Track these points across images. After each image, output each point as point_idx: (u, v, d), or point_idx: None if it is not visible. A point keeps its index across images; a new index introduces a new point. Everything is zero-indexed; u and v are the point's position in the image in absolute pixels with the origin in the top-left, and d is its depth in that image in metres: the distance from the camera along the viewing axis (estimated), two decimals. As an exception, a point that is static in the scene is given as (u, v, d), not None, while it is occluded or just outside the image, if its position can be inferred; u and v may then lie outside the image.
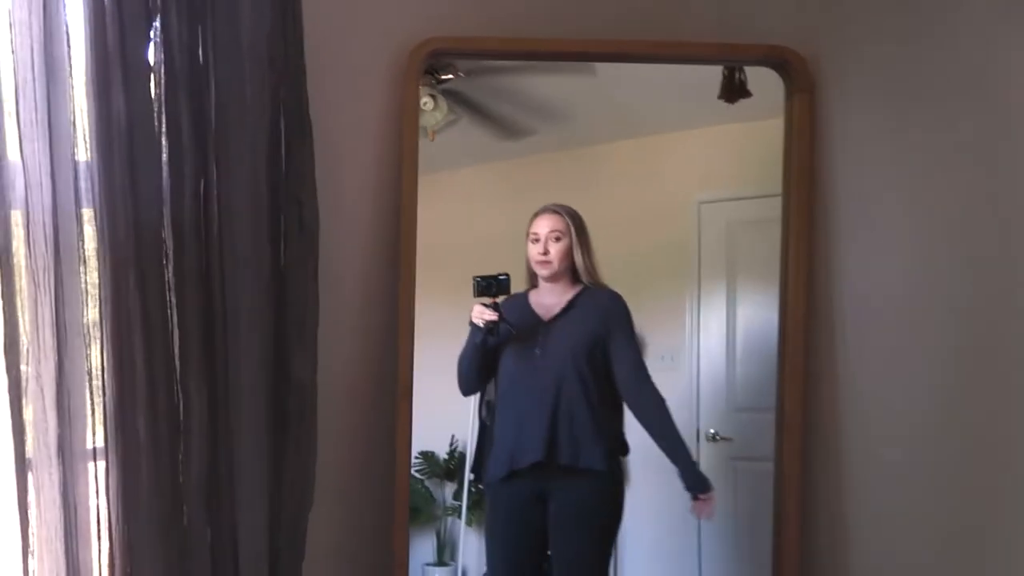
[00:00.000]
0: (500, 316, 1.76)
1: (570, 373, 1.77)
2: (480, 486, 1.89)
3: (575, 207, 1.82)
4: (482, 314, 1.77)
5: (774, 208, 1.77)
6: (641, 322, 1.84)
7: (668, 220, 1.88)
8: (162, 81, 1.35)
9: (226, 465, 1.41)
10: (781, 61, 1.66)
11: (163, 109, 1.35)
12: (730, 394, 1.80)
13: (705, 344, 1.84)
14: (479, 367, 1.80)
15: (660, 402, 1.78)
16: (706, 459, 1.82)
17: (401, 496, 1.69)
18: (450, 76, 1.80)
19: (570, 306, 1.80)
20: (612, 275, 1.83)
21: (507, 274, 1.80)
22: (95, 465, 1.35)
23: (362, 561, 1.74)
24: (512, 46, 1.67)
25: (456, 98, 1.81)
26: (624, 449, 1.80)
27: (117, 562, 1.35)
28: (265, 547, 1.44)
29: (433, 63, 1.74)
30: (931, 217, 1.52)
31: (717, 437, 1.81)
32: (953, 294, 1.48)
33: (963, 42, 1.46)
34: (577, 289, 1.80)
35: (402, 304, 1.68)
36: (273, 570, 1.47)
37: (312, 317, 1.52)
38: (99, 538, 1.37)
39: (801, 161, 1.67)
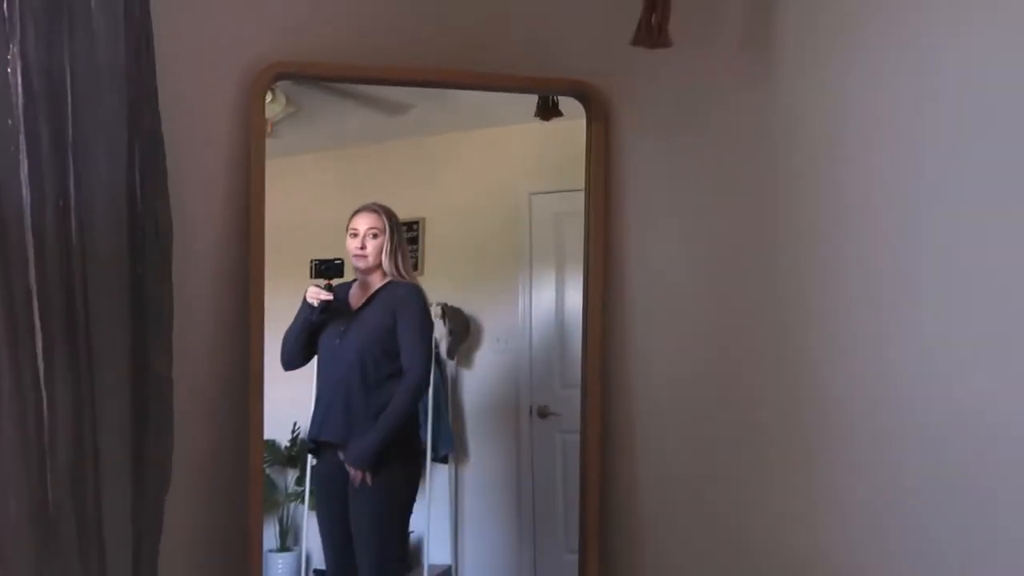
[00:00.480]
0: (333, 298, 1.94)
1: (360, 359, 1.95)
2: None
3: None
4: (317, 294, 1.94)
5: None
6: (476, 305, 1.96)
7: (502, 210, 2.03)
8: (20, 101, 1.44)
9: (92, 456, 1.52)
10: (583, 93, 1.93)
11: (23, 127, 1.44)
12: (559, 372, 1.94)
13: (536, 326, 2.00)
14: (303, 344, 1.96)
15: (411, 386, 1.96)
16: (537, 433, 1.95)
17: (255, 484, 1.81)
18: None
19: (373, 297, 1.99)
20: (449, 263, 1.97)
21: (341, 259, 1.97)
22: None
23: (217, 546, 1.84)
24: (348, 72, 1.88)
25: (297, 84, 1.85)
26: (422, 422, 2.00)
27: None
28: (129, 531, 1.56)
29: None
30: (697, 222, 1.85)
31: (547, 412, 1.94)
32: (714, 283, 1.82)
33: (735, 91, 1.77)
34: (384, 282, 1.99)
35: (252, 302, 1.81)
36: (136, 553, 1.59)
37: (168, 316, 1.65)
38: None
39: (597, 177, 1.94)
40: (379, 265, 1.97)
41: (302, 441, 2.01)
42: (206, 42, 1.76)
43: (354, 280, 1.99)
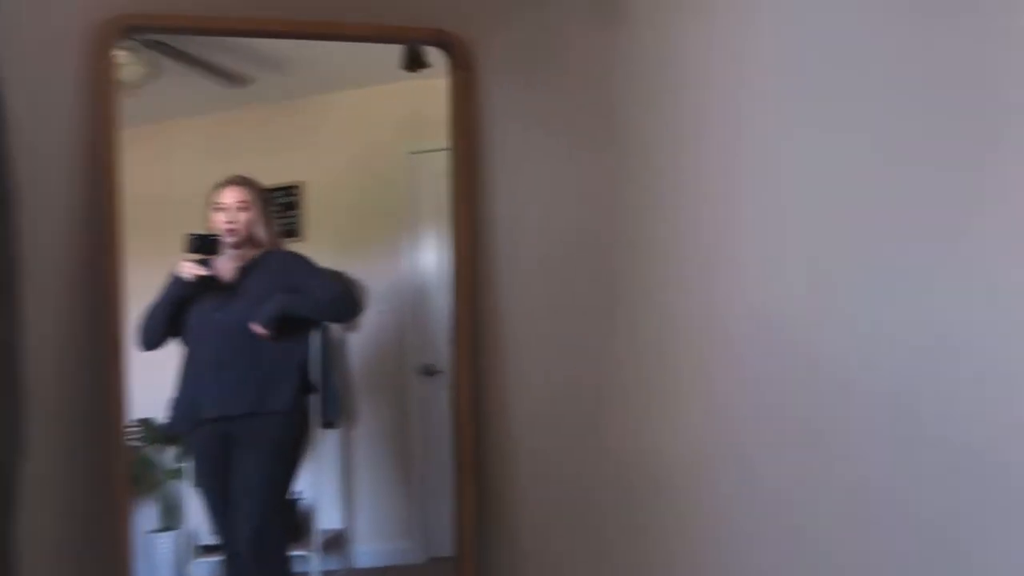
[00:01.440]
0: (208, 272, 1.92)
1: (248, 329, 1.92)
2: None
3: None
4: (192, 268, 1.91)
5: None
6: (361, 270, 1.97)
7: (381, 172, 2.02)
8: None
9: None
10: (445, 42, 1.93)
11: None
12: (445, 330, 1.95)
13: (420, 286, 2.02)
14: (167, 322, 1.92)
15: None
16: (424, 392, 1.96)
17: (119, 460, 1.73)
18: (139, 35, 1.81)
19: (250, 268, 1.98)
20: (331, 227, 1.94)
21: (218, 234, 1.95)
22: None
23: (86, 524, 1.74)
24: (203, 23, 1.82)
25: (163, 49, 1.79)
26: (309, 388, 1.98)
27: None
28: None
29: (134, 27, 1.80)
30: (562, 169, 1.87)
31: (434, 371, 1.95)
32: (578, 230, 1.85)
33: (587, 35, 1.80)
34: (257, 252, 1.99)
35: (109, 269, 1.73)
36: None
37: (10, 279, 1.56)
38: None
39: (461, 128, 1.95)
40: (250, 237, 1.97)
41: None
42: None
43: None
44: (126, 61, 1.84)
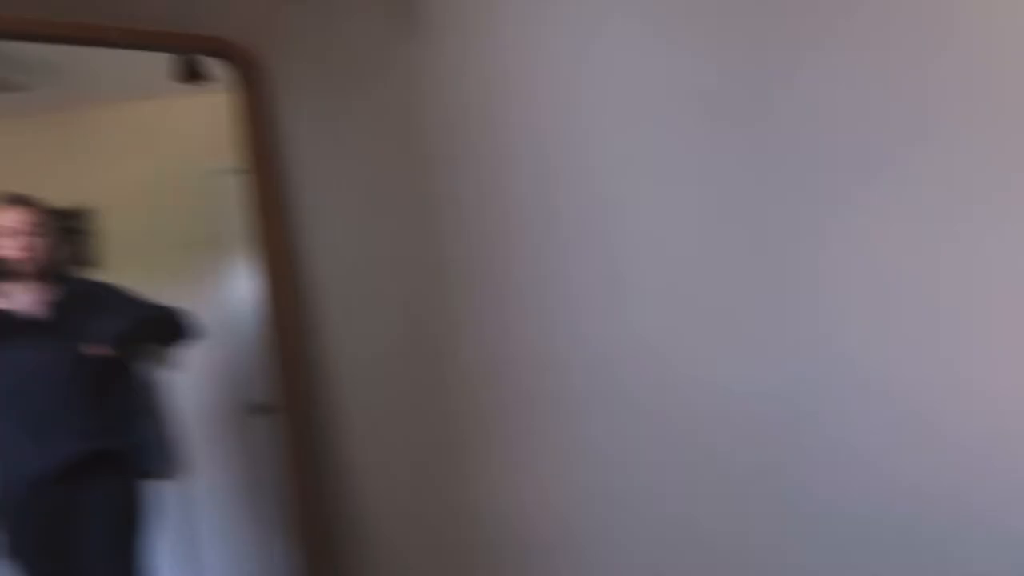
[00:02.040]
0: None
1: (72, 370, 1.68)
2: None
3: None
4: None
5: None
6: (176, 302, 1.72)
7: (182, 191, 1.77)
8: None
9: None
10: (227, 53, 1.73)
11: None
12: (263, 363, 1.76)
13: (241, 315, 1.77)
14: None
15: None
16: (260, 431, 1.77)
17: None
18: None
19: (62, 303, 1.70)
20: (135, 256, 1.73)
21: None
22: None
23: None
24: None
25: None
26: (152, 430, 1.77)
27: None
28: None
29: None
30: (367, 178, 1.75)
31: (266, 407, 1.77)
32: (393, 248, 1.74)
33: (380, 49, 1.69)
34: (59, 283, 1.71)
35: None
36: None
37: None
38: None
39: (253, 149, 1.76)
40: (49, 266, 1.68)
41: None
42: None
43: None
44: None
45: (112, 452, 1.71)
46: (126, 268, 1.76)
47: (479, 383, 1.64)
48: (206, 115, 1.80)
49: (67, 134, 1.79)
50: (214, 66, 1.74)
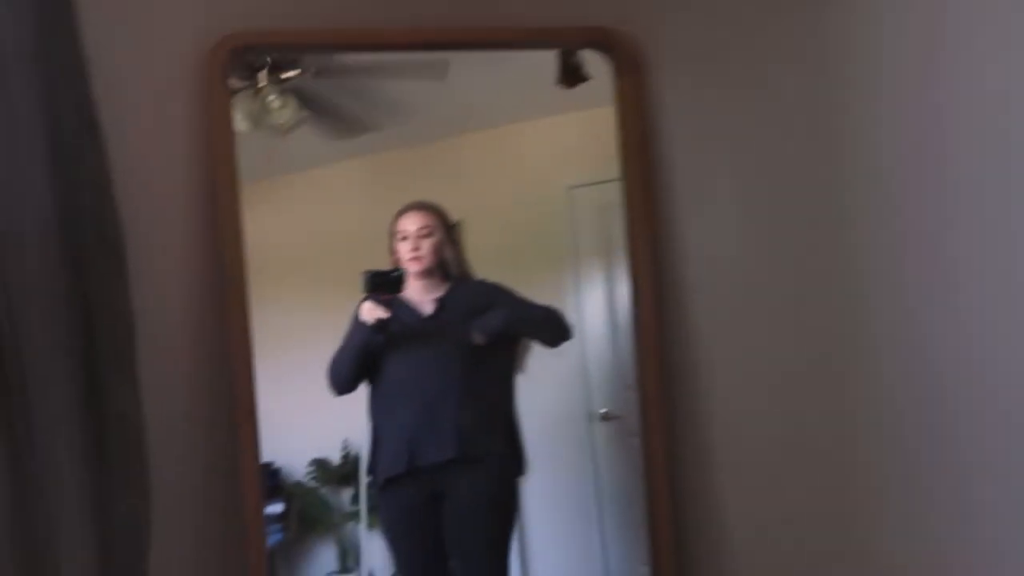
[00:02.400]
0: (392, 314, 1.76)
1: (465, 365, 1.79)
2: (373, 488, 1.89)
3: (443, 200, 1.84)
4: (373, 311, 1.75)
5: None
6: None
7: (538, 208, 1.89)
8: None
9: (43, 517, 1.24)
10: (605, 42, 1.67)
11: None
12: (617, 373, 1.82)
13: (590, 326, 1.87)
14: (360, 366, 1.78)
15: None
16: (601, 438, 1.83)
17: (254, 526, 1.63)
18: (292, 73, 1.76)
19: (445, 301, 1.83)
20: (486, 269, 1.86)
21: (400, 270, 1.79)
22: None
23: None
24: (321, 38, 1.64)
25: (300, 95, 1.72)
26: (515, 432, 1.84)
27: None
28: None
29: (277, 59, 1.72)
30: (765, 184, 1.61)
31: (609, 416, 1.81)
32: (792, 255, 1.58)
33: (786, 14, 1.54)
34: (448, 284, 1.84)
35: (232, 318, 1.60)
36: None
37: (129, 342, 1.39)
38: None
39: (634, 143, 1.70)
40: (436, 266, 1.82)
41: (354, 459, 1.92)
42: (154, 16, 1.54)
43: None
44: (275, 105, 1.78)
45: (483, 448, 1.79)
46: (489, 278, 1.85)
47: (878, 410, 1.49)
48: (570, 133, 1.87)
49: (444, 160, 1.92)
50: (593, 61, 1.71)
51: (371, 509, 1.93)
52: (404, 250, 1.81)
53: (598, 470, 1.88)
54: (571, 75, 1.73)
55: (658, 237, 1.73)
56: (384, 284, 1.75)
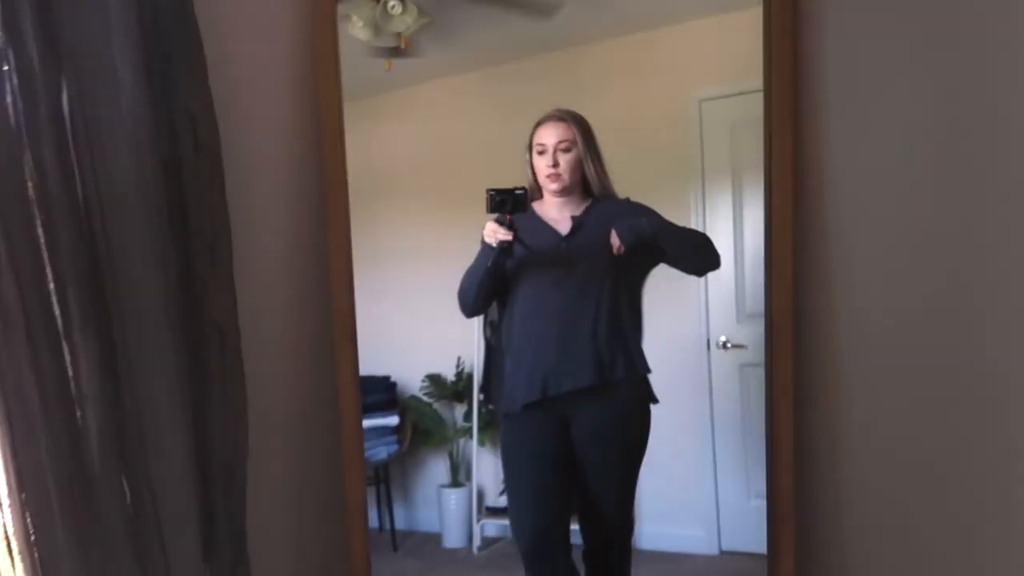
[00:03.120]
0: (515, 235, 1.67)
1: (602, 290, 1.70)
2: (490, 407, 1.87)
3: (577, 106, 1.74)
4: (496, 232, 1.67)
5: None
6: None
7: (668, 120, 1.81)
8: None
9: (136, 424, 1.22)
10: None
11: None
12: (739, 300, 1.77)
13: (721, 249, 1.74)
14: (489, 289, 1.72)
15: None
16: (718, 367, 1.78)
17: (352, 457, 1.61)
18: None
19: (584, 221, 1.72)
20: (613, 179, 1.76)
21: (524, 188, 1.70)
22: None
23: (313, 513, 1.68)
24: None
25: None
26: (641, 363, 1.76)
27: (23, 547, 1.14)
28: (195, 505, 1.30)
29: None
30: (924, 115, 1.45)
31: (728, 345, 1.75)
32: (947, 192, 1.43)
33: None
34: (588, 201, 1.74)
35: (333, 236, 1.56)
36: (208, 526, 1.34)
37: (224, 247, 1.35)
38: None
39: (782, 53, 1.58)
40: (576, 183, 1.71)
41: (468, 376, 1.92)
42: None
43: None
44: (395, 11, 1.74)
45: (619, 375, 1.71)
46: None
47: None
48: (701, 42, 1.76)
49: (572, 69, 1.84)
50: None
51: (483, 427, 1.94)
52: (542, 165, 1.71)
53: (713, 400, 1.81)
54: None
55: (800, 160, 1.60)
56: (506, 203, 1.67)
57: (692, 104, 1.77)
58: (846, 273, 1.59)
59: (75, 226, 1.16)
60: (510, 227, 1.67)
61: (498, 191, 1.67)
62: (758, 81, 1.61)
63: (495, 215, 1.68)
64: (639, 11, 1.78)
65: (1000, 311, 1.37)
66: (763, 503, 1.65)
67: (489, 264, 1.68)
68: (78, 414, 1.14)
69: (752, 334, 1.73)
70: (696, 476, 1.82)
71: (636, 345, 1.73)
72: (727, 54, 1.73)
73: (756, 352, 1.70)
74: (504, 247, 1.67)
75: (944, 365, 1.47)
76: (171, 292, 1.25)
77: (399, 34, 1.73)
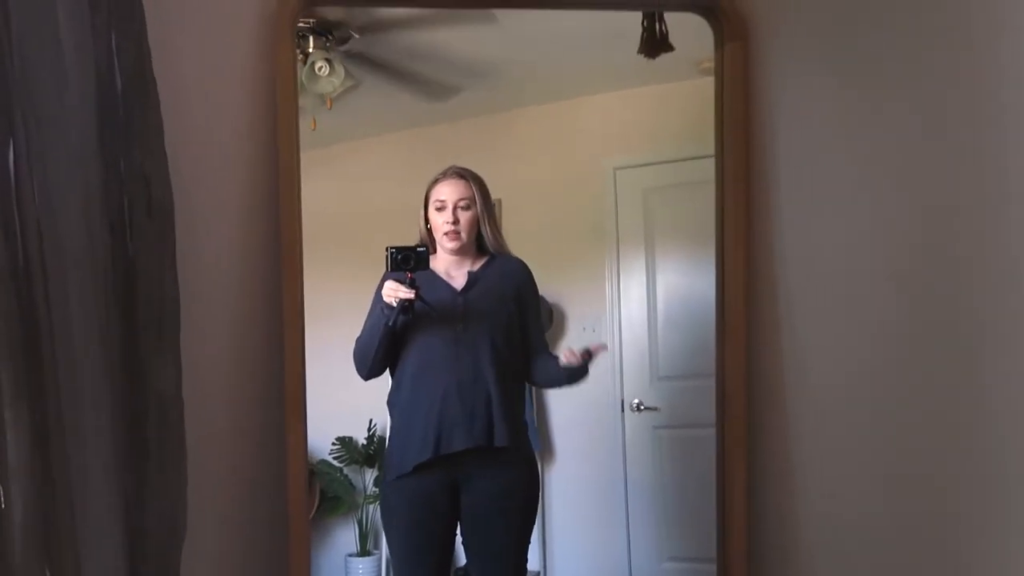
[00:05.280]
0: (417, 293, 1.63)
1: (492, 348, 1.67)
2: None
3: (485, 175, 1.75)
4: (396, 291, 1.63)
5: (691, 172, 1.75)
6: (559, 292, 1.82)
7: (582, 187, 1.86)
8: None
9: (66, 503, 1.12)
10: (710, 6, 1.54)
11: None
12: (652, 363, 1.79)
13: (626, 313, 1.84)
14: (387, 348, 1.66)
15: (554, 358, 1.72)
16: (631, 429, 1.80)
17: (297, 536, 1.51)
18: (346, 37, 1.67)
19: (479, 277, 1.72)
20: (528, 244, 1.81)
21: (425, 246, 1.68)
22: None
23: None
24: None
25: (358, 60, 1.70)
26: (526, 426, 1.75)
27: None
28: None
29: (324, 23, 1.67)
30: (874, 175, 1.41)
31: (641, 407, 1.77)
32: (897, 250, 1.38)
33: None
34: (484, 258, 1.74)
35: (286, 296, 1.49)
36: None
37: (171, 316, 1.29)
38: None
39: (734, 117, 1.55)
40: (472, 240, 1.71)
41: (379, 439, 1.88)
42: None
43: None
44: (323, 72, 1.74)
45: (512, 436, 1.67)
46: (523, 257, 1.77)
47: (981, 418, 1.24)
48: (616, 112, 1.82)
49: (489, 135, 1.88)
50: (681, 31, 1.60)
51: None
52: (439, 221, 1.70)
53: (627, 462, 1.82)
54: (656, 44, 1.61)
55: (752, 223, 1.56)
56: (409, 260, 1.63)
57: (607, 172, 1.83)
58: (801, 340, 1.57)
59: (14, 292, 1.07)
60: (412, 285, 1.63)
61: (399, 248, 1.64)
62: (669, 151, 1.67)
63: (392, 273, 1.65)
64: (556, 80, 1.83)
65: (953, 376, 1.32)
66: (675, 566, 1.65)
67: (390, 323, 1.64)
68: (0, 493, 1.05)
69: (665, 396, 1.76)
70: (609, 538, 1.82)
71: (519, 405, 1.71)
72: (640, 125, 1.80)
73: (669, 414, 1.73)
74: (405, 305, 1.63)
75: (901, 433, 1.40)
76: (113, 365, 1.19)
77: (325, 95, 1.74)
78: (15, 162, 1.08)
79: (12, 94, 1.08)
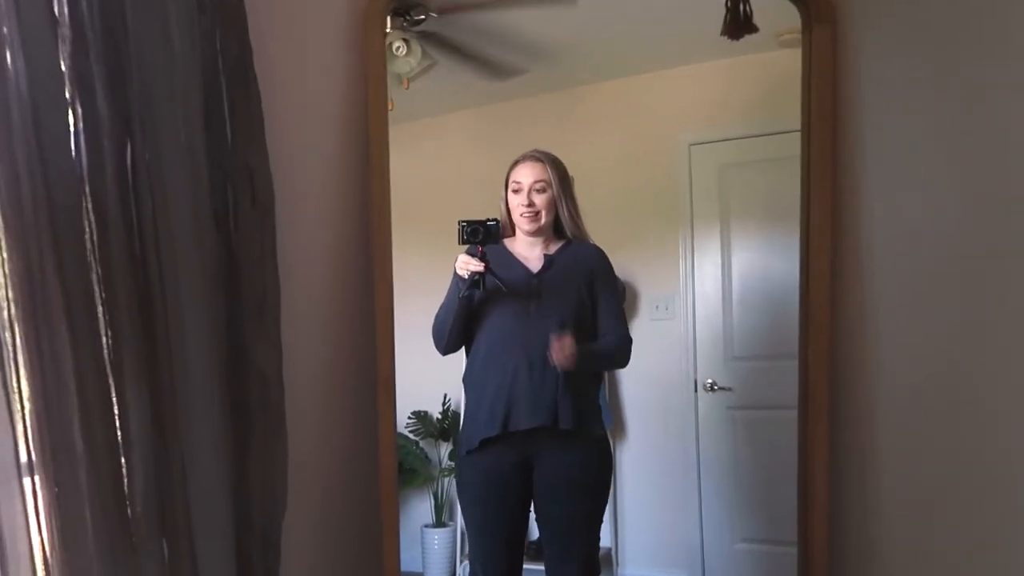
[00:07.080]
0: (487, 267, 1.63)
1: (567, 324, 1.64)
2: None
3: (558, 151, 1.72)
4: (467, 264, 1.64)
5: (768, 148, 1.70)
6: (631, 270, 1.78)
7: (656, 164, 1.82)
8: (68, 36, 1.10)
9: (179, 473, 1.19)
10: None
11: (70, 70, 1.10)
12: (727, 343, 1.75)
13: (700, 292, 1.80)
14: (463, 323, 1.67)
15: (627, 339, 1.72)
16: (704, 409, 1.78)
17: (388, 508, 1.56)
18: (422, 17, 1.67)
19: (555, 260, 1.70)
20: (600, 222, 1.79)
21: (496, 219, 1.67)
22: (25, 482, 1.06)
23: (346, 565, 1.61)
24: None
25: (432, 40, 1.70)
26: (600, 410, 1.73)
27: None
28: (232, 560, 1.26)
29: (401, 4, 1.66)
30: (965, 168, 1.36)
31: (715, 387, 1.74)
32: (987, 245, 1.33)
33: None
34: (560, 243, 1.72)
35: (378, 283, 1.54)
36: None
37: (273, 299, 1.35)
38: (34, 568, 1.08)
39: (821, 99, 1.52)
40: (549, 222, 1.70)
41: (454, 414, 1.90)
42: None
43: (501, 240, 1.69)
44: (400, 52, 1.75)
45: (579, 419, 1.66)
46: (595, 236, 1.74)
47: None
48: (692, 87, 1.77)
49: (563, 112, 1.85)
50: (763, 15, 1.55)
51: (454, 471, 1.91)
52: (516, 203, 1.70)
53: (699, 442, 1.79)
54: (740, 25, 1.55)
55: (836, 213, 1.52)
56: (478, 233, 1.63)
57: (682, 148, 1.79)
58: (885, 319, 1.53)
59: (132, 278, 1.15)
60: (482, 258, 1.63)
61: (469, 222, 1.64)
62: (745, 126, 1.62)
63: (467, 247, 1.66)
64: (633, 56, 1.79)
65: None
66: (748, 547, 1.62)
67: (462, 294, 1.64)
68: (123, 463, 1.12)
69: (739, 377, 1.73)
70: (681, 518, 1.80)
71: (593, 388, 1.71)
72: (715, 100, 1.75)
73: (743, 395, 1.70)
74: (475, 279, 1.63)
75: (982, 423, 1.37)
76: (220, 348, 1.25)
77: (402, 75, 1.74)
78: (133, 162, 1.16)
79: (131, 101, 1.15)
